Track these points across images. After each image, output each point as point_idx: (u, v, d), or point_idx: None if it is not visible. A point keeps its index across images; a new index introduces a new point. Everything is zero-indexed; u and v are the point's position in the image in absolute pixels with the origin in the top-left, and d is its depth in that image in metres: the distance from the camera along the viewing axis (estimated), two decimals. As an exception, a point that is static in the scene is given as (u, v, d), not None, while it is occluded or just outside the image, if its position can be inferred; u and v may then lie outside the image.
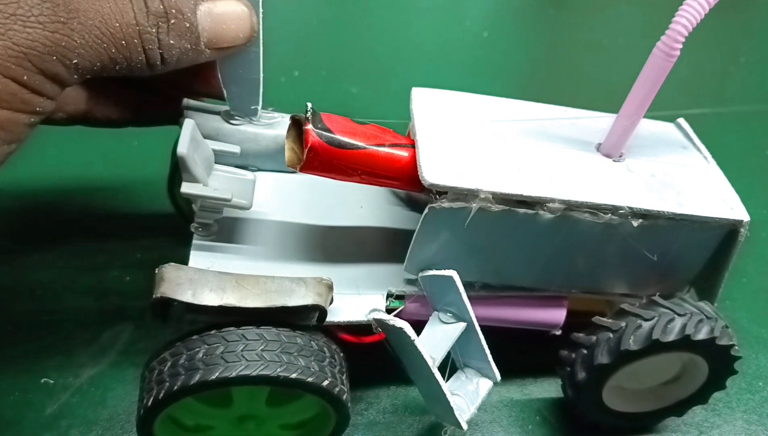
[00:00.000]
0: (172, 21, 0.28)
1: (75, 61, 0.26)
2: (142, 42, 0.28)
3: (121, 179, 0.52)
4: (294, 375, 0.29)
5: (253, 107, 0.36)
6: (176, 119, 0.36)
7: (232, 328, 0.29)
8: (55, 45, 0.25)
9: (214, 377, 0.28)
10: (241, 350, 0.29)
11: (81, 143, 0.54)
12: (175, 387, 0.28)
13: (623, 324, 0.34)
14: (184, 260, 0.33)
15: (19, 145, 0.27)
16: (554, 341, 0.37)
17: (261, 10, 0.32)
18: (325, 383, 0.30)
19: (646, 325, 0.33)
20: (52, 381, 0.38)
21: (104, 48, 0.27)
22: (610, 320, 0.34)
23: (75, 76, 0.27)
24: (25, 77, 0.25)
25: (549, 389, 0.41)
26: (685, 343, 0.33)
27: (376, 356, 0.34)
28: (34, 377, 0.38)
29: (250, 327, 0.30)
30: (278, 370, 0.29)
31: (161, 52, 0.29)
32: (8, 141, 0.26)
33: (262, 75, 0.34)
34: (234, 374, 0.28)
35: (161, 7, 0.28)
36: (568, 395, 0.37)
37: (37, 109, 0.26)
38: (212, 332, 0.29)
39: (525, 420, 0.40)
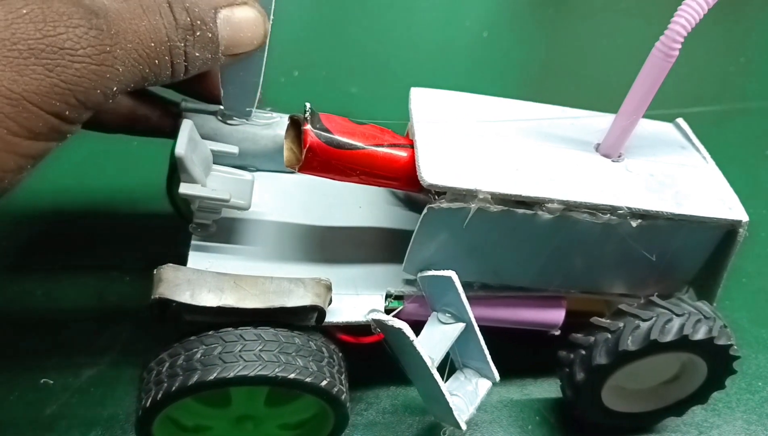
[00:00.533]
0: (198, 33, 0.28)
1: (115, 88, 0.25)
2: (171, 57, 0.27)
3: (120, 179, 0.52)
4: (292, 375, 0.29)
5: (247, 109, 0.36)
6: (171, 134, 0.36)
7: (230, 328, 0.29)
8: (100, 78, 0.24)
9: (212, 377, 0.28)
10: (239, 351, 0.29)
11: (79, 144, 0.54)
12: (173, 388, 0.28)
13: (621, 325, 0.34)
14: (183, 261, 0.33)
15: (36, 164, 0.26)
16: (554, 342, 0.37)
17: (272, 16, 0.31)
18: (324, 383, 0.30)
19: (644, 325, 0.33)
20: (51, 381, 0.38)
21: (140, 69, 0.26)
22: (608, 321, 0.34)
23: (110, 101, 0.26)
24: (68, 112, 0.24)
25: (548, 389, 0.41)
26: (683, 343, 0.33)
27: (375, 357, 0.34)
28: (34, 377, 0.38)
29: (248, 327, 0.30)
30: (276, 370, 0.29)
31: (186, 64, 0.28)
32: (34, 165, 0.25)
33: (262, 78, 0.34)
34: (232, 375, 0.28)
35: (188, 19, 0.27)
36: (567, 395, 0.37)
37: (68, 135, 0.26)
38: (210, 332, 0.29)
39: (524, 420, 0.40)
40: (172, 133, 0.35)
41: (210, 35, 0.28)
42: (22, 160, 0.23)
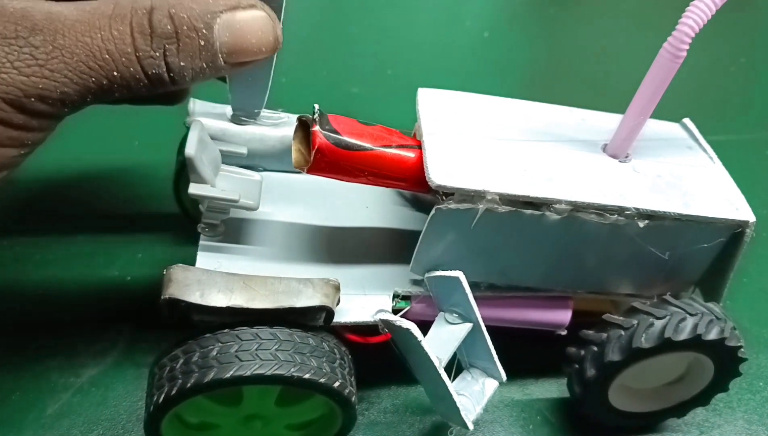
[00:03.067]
0: (183, 41, 0.26)
1: (59, 98, 0.25)
2: (143, 67, 0.26)
3: (121, 179, 0.52)
4: (307, 375, 0.29)
5: (256, 110, 0.36)
6: (173, 101, 0.35)
7: (245, 327, 0.30)
8: (31, 87, 0.25)
9: (228, 375, 0.28)
10: (255, 349, 0.29)
11: (82, 142, 0.54)
12: (189, 384, 0.28)
13: (635, 322, 0.34)
14: (187, 260, 0.33)
15: (10, 173, 0.27)
16: (556, 342, 0.37)
17: (283, 15, 0.30)
18: (336, 384, 0.30)
19: (659, 323, 0.33)
20: (53, 381, 0.38)
21: (93, 81, 0.25)
22: (621, 318, 0.34)
23: (65, 109, 0.26)
24: (6, 117, 0.25)
25: (550, 389, 0.41)
26: (695, 342, 0.33)
27: (377, 356, 0.34)
28: (36, 376, 0.38)
29: (264, 327, 0.30)
30: (292, 370, 0.29)
31: (171, 74, 0.27)
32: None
33: (271, 80, 0.34)
34: (248, 373, 0.28)
35: (169, 27, 0.26)
36: (575, 392, 0.37)
37: (27, 142, 0.26)
38: (225, 330, 0.29)
39: (526, 420, 0.40)
40: (174, 101, 0.34)
41: (202, 43, 0.26)
42: None
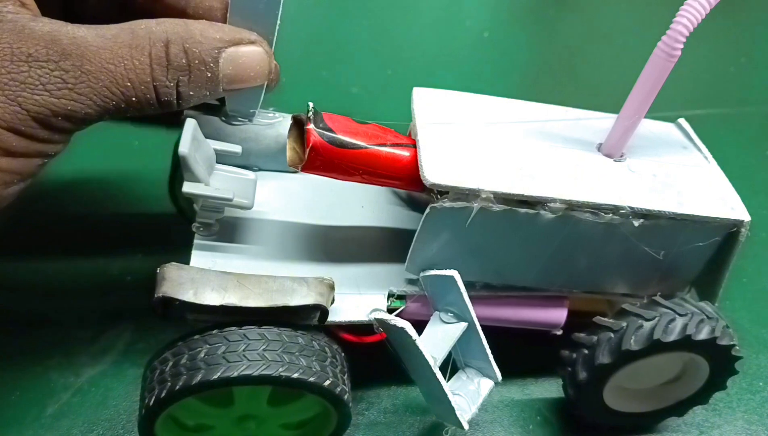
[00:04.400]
0: (194, 73, 0.29)
1: (82, 118, 0.27)
2: (158, 94, 0.28)
3: (121, 179, 0.52)
4: (296, 375, 0.29)
5: (251, 110, 0.36)
6: (172, 124, 0.36)
7: (233, 328, 0.29)
8: (61, 109, 0.27)
9: (215, 376, 0.28)
10: (243, 350, 0.29)
11: (81, 143, 0.54)
12: (177, 387, 0.28)
13: (624, 324, 0.34)
14: (185, 260, 0.33)
15: (32, 181, 0.29)
16: (555, 341, 0.37)
17: (277, 32, 0.31)
18: (327, 382, 0.30)
19: (647, 325, 0.33)
20: (52, 381, 0.38)
21: (113, 104, 0.28)
22: (611, 320, 0.34)
23: (84, 125, 0.28)
24: (33, 133, 0.27)
25: (550, 389, 0.41)
26: (686, 343, 0.33)
27: (376, 356, 0.34)
28: (35, 377, 0.38)
29: (252, 327, 0.30)
30: (280, 370, 0.29)
31: (180, 100, 0.29)
32: (23, 179, 0.28)
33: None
34: (236, 374, 0.28)
35: (184, 61, 0.28)
36: (569, 395, 0.37)
37: (49, 153, 0.28)
38: (214, 331, 0.29)
39: (526, 420, 0.40)
40: (173, 123, 0.35)
41: (209, 75, 0.29)
42: (4, 175, 0.27)
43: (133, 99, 0.28)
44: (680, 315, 0.33)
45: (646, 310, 0.34)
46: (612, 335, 0.34)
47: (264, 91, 0.33)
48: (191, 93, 0.29)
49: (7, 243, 0.45)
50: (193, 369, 0.28)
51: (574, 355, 0.35)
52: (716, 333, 0.33)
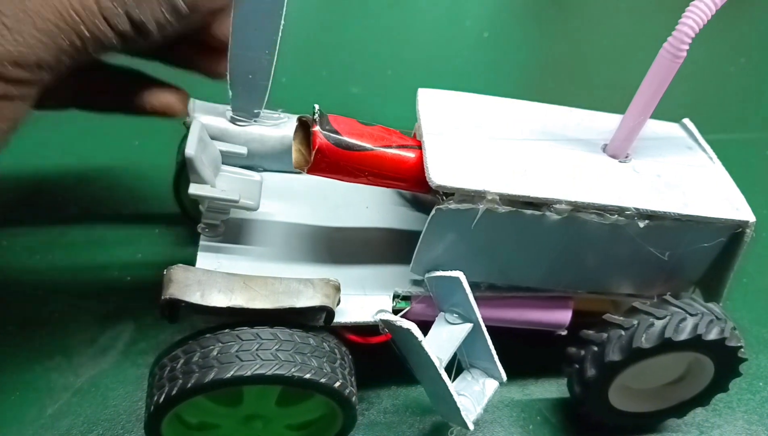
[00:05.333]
0: None
1: (35, 62, 0.26)
2: (108, 21, 0.27)
3: (121, 179, 0.52)
4: (308, 376, 0.29)
5: (256, 111, 0.36)
6: (131, 110, 0.35)
7: (246, 327, 0.29)
8: (6, 54, 0.26)
9: (229, 375, 0.28)
10: (256, 349, 0.29)
11: (82, 142, 0.54)
12: (189, 384, 0.28)
13: (635, 322, 0.34)
14: (187, 261, 0.33)
15: (15, 124, 0.28)
16: (556, 342, 0.37)
17: (283, 16, 0.31)
18: (337, 384, 0.30)
19: (659, 323, 0.33)
20: (52, 381, 0.38)
21: (67, 43, 0.27)
22: (622, 318, 0.34)
23: (44, 73, 0.27)
24: None
25: (550, 389, 0.41)
26: (696, 343, 0.33)
27: (376, 356, 0.34)
28: (35, 377, 0.38)
29: (264, 327, 0.30)
30: (293, 370, 0.29)
31: (139, 29, 0.28)
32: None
33: (271, 81, 0.34)
34: (249, 373, 0.28)
35: None
36: (575, 392, 0.37)
37: (10, 114, 0.27)
38: (226, 330, 0.29)
39: (526, 420, 0.40)
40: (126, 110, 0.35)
41: None
42: None
43: (86, 33, 0.27)
44: (691, 315, 0.33)
45: (657, 309, 0.34)
46: (623, 332, 0.34)
47: (269, 85, 0.33)
48: (146, 18, 0.28)
49: (7, 243, 0.45)
50: (206, 367, 0.28)
51: (583, 352, 0.35)
52: (725, 334, 0.33)
